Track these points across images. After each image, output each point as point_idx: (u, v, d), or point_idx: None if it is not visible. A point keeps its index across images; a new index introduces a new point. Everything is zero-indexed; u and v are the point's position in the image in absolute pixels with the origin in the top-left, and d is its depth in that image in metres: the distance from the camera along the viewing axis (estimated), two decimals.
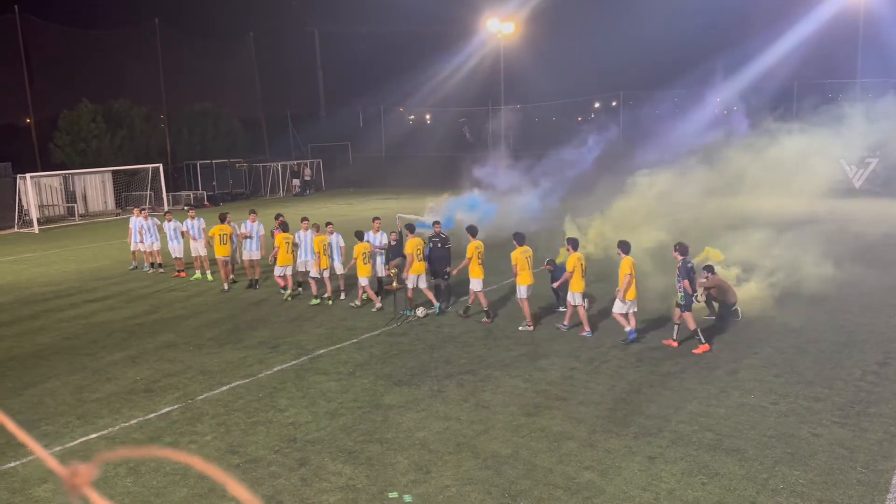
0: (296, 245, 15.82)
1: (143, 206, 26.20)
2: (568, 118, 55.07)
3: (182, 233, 18.70)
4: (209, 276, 18.30)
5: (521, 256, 12.63)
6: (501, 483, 7.29)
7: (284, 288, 16.11)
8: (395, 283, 14.31)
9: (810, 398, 9.24)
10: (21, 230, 32.43)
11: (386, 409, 9.37)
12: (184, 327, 13.99)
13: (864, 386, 9.63)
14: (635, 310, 11.97)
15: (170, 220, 18.87)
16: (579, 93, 51.51)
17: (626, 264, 11.66)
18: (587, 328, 12.33)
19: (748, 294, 13.67)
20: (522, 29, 50.01)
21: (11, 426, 1.49)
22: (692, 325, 11.42)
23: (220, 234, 16.95)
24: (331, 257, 15.28)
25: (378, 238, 15.40)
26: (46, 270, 21.29)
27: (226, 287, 17.20)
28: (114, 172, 38.46)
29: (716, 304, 13.09)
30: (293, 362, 11.52)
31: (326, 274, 15.27)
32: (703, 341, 11.31)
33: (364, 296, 14.95)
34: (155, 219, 19.99)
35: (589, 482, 7.24)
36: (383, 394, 9.95)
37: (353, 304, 15.03)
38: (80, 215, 36.57)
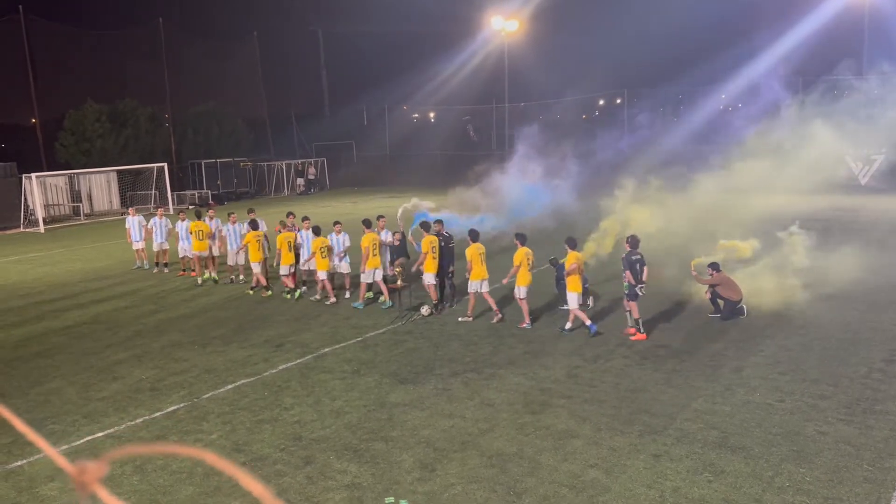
0: (299, 244, 15.92)
1: (159, 205, 26.24)
2: (573, 116, 54.99)
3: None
4: (214, 276, 18.24)
5: (475, 252, 13.26)
6: (506, 481, 7.29)
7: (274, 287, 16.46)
8: (399, 282, 14.33)
9: (816, 396, 9.22)
10: (27, 230, 32.54)
11: (391, 408, 9.39)
12: (189, 326, 14.03)
13: (870, 383, 9.61)
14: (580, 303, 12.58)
15: (183, 220, 18.66)
16: (584, 90, 51.45)
17: (571, 258, 12.33)
18: (527, 319, 13.01)
19: (764, 289, 13.63)
20: (526, 26, 49.96)
21: (20, 425, 1.50)
22: (636, 314, 12.12)
23: (196, 231, 17.65)
24: (335, 256, 15.39)
25: (382, 237, 15.41)
26: (52, 270, 21.36)
27: (199, 281, 17.96)
28: (119, 172, 38.56)
29: (721, 302, 13.07)
30: (298, 361, 11.54)
31: (285, 270, 15.89)
32: (642, 332, 12.02)
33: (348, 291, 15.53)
34: (167, 219, 19.86)
35: (594, 480, 7.24)
36: (388, 392, 9.96)
37: (314, 298, 15.54)
38: (86, 215, 36.68)
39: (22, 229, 32.68)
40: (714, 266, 13.16)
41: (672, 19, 49.80)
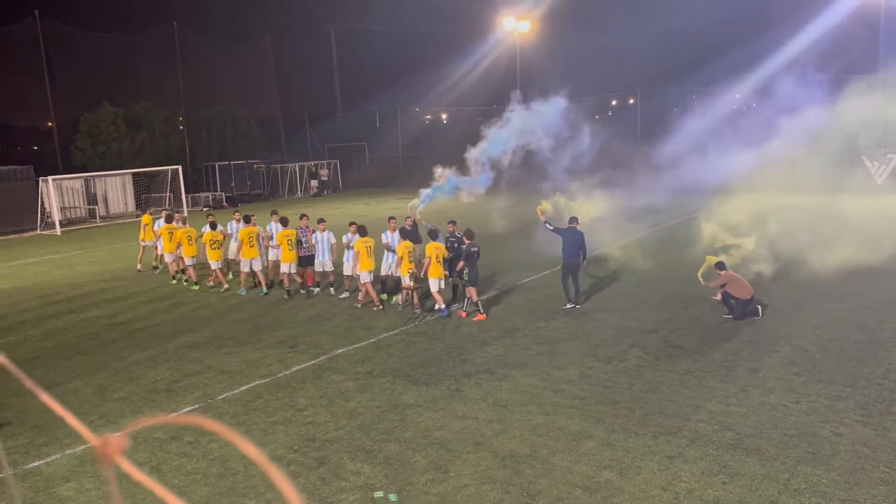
0: (299, 242, 16.43)
1: (178, 209, 26.22)
2: (584, 116, 54.83)
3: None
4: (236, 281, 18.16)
5: (362, 245, 14.53)
6: (520, 482, 7.28)
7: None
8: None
9: (832, 397, 9.14)
10: (44, 232, 32.88)
11: (404, 409, 9.40)
12: (204, 327, 14.12)
13: (887, 384, 9.51)
14: (443, 286, 14.09)
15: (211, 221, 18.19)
16: (597, 90, 51.31)
17: (429, 248, 13.84)
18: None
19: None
20: (539, 27, 49.86)
21: (48, 400, 1.56)
22: (475, 298, 13.69)
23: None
24: (321, 253, 15.98)
25: (395, 238, 15.41)
26: (69, 272, 21.57)
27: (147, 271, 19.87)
28: (134, 174, 38.88)
29: (733, 302, 12.98)
30: (312, 362, 11.58)
31: (190, 262, 17.79)
32: (482, 311, 13.62)
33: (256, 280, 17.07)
34: (237, 225, 19.43)
35: (608, 481, 7.22)
36: (401, 393, 9.98)
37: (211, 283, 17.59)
38: (102, 217, 37.01)
39: (39, 231, 33.03)
40: (720, 266, 13.13)
41: (682, 18, 49.55)
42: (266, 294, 16.56)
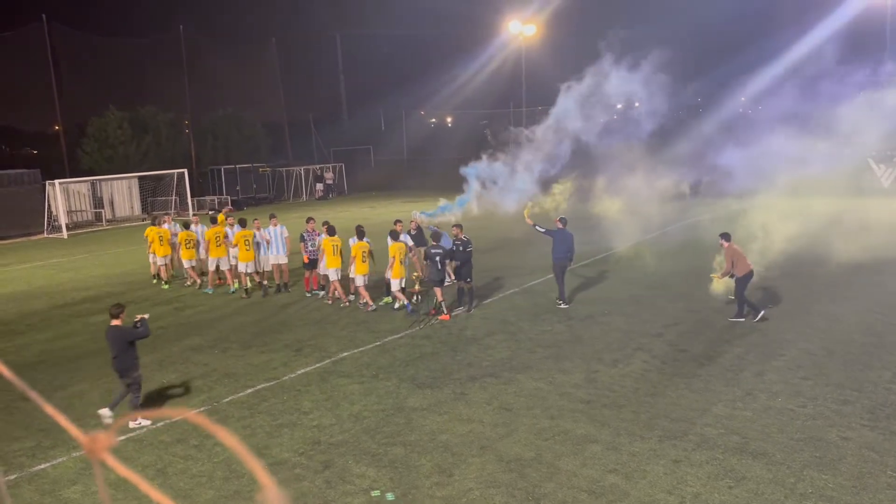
0: (257, 244, 17.08)
1: (184, 213, 26.21)
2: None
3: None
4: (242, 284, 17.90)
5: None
6: (525, 486, 7.27)
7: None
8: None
9: (839, 401, 9.11)
10: (50, 235, 33.00)
11: (409, 412, 9.40)
12: (209, 331, 14.14)
13: (894, 388, 9.47)
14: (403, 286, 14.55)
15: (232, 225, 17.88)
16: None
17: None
18: (371, 304, 14.86)
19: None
20: (544, 30, 49.82)
21: (36, 397, 1.58)
22: (440, 298, 14.07)
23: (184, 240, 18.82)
24: (276, 248, 16.73)
25: (406, 238, 15.41)
26: (75, 275, 21.63)
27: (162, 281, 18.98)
28: (140, 178, 39.01)
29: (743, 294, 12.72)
30: (317, 365, 11.59)
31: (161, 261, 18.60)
32: (445, 312, 13.99)
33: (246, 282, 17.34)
34: (203, 226, 18.94)
35: (613, 485, 7.20)
36: (406, 396, 9.98)
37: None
38: (108, 220, 37.12)
39: (46, 235, 33.14)
40: (725, 236, 12.90)
41: (688, 20, 49.44)
42: (233, 292, 17.19)
